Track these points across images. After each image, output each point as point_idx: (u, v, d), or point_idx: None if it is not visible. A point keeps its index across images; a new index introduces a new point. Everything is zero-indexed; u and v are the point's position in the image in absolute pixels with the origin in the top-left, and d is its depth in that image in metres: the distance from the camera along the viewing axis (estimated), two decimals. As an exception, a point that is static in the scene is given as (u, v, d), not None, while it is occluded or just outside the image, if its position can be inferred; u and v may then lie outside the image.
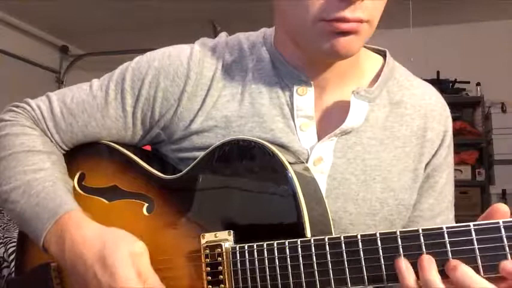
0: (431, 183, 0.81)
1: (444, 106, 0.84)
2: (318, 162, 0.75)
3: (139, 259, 0.69)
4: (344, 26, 0.66)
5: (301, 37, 0.72)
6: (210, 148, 0.74)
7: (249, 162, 0.71)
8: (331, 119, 0.77)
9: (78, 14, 4.08)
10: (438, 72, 3.76)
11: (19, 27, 4.30)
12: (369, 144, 0.77)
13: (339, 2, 0.65)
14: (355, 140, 0.77)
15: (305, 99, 0.77)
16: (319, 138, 0.76)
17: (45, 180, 0.78)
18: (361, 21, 0.66)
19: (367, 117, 0.77)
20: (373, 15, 0.68)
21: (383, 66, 0.81)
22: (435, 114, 0.81)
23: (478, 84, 3.99)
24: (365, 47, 0.81)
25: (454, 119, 3.91)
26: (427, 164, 0.80)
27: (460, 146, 3.84)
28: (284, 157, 0.68)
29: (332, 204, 0.74)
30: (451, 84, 4.01)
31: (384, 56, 0.84)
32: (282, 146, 0.75)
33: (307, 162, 0.75)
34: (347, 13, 0.65)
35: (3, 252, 2.39)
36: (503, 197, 3.78)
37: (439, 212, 0.82)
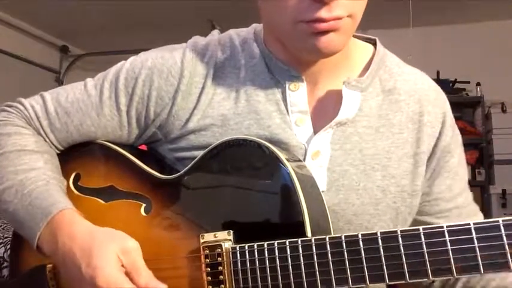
0: (442, 164, 0.80)
1: (438, 90, 0.84)
2: (315, 156, 0.75)
3: (131, 255, 0.69)
4: (322, 26, 0.66)
5: (284, 38, 0.73)
6: (208, 148, 0.74)
7: (248, 162, 0.71)
8: (325, 112, 0.77)
9: (78, 14, 4.07)
10: (438, 72, 3.75)
11: (19, 27, 4.30)
12: (365, 134, 0.77)
13: (313, 3, 0.65)
14: (351, 130, 0.76)
15: (298, 94, 0.77)
16: (315, 132, 0.76)
17: (37, 179, 0.77)
18: (340, 18, 0.66)
19: (361, 106, 0.77)
20: (355, 9, 0.68)
21: (373, 54, 0.81)
22: (430, 98, 0.81)
23: (478, 84, 3.99)
24: (355, 36, 0.81)
25: (454, 119, 3.91)
26: (434, 148, 0.79)
27: (460, 146, 3.83)
28: (284, 157, 0.68)
29: (334, 196, 0.74)
30: (451, 84, 4.01)
31: (374, 44, 0.83)
32: (279, 142, 0.75)
33: (305, 156, 0.75)
34: (323, 13, 0.65)
35: (3, 252, 2.38)
36: (503, 197, 3.78)
37: (459, 192, 0.82)
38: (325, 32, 0.67)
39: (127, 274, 0.68)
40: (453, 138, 0.82)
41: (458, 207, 0.82)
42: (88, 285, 0.67)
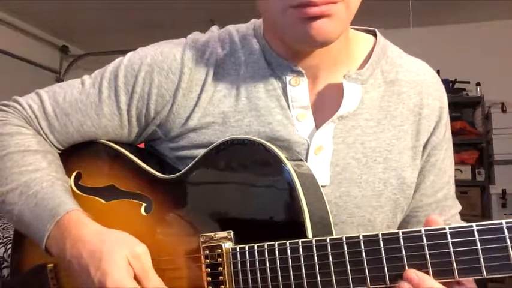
0: (433, 162, 0.81)
1: (439, 81, 0.83)
2: (318, 151, 0.75)
3: (141, 260, 0.69)
4: (312, 10, 0.64)
5: (278, 28, 0.72)
6: (209, 148, 0.74)
7: (247, 161, 0.71)
8: (326, 106, 0.76)
9: (78, 14, 4.07)
10: (438, 72, 3.70)
11: (19, 27, 4.30)
12: (366, 126, 0.76)
13: None
14: (353, 123, 0.76)
15: (299, 89, 0.76)
16: (317, 126, 0.76)
17: (42, 180, 0.77)
18: (333, 2, 0.64)
19: (362, 99, 0.76)
20: None
21: (374, 45, 0.80)
22: (430, 90, 0.81)
23: (478, 84, 3.99)
24: (355, 28, 0.80)
25: (454, 119, 3.95)
26: (426, 143, 0.79)
27: (460, 146, 3.84)
28: (283, 156, 0.68)
29: (336, 189, 0.74)
30: (451, 84, 4.01)
31: (375, 35, 0.83)
32: (281, 139, 0.74)
33: (307, 152, 0.74)
34: None
35: (3, 252, 2.38)
36: (503, 197, 3.78)
37: (440, 187, 0.82)
38: (316, 18, 0.65)
39: (136, 278, 0.68)
40: (445, 135, 0.82)
41: (437, 202, 0.82)
42: (97, 284, 0.67)
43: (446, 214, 0.83)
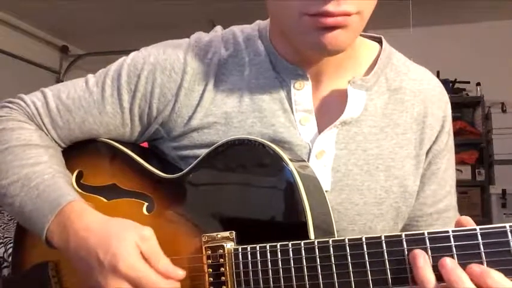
0: (434, 170, 0.81)
1: (442, 91, 0.84)
2: (320, 155, 0.74)
3: (149, 243, 0.69)
4: (328, 21, 0.64)
5: (289, 33, 0.72)
6: (211, 147, 0.74)
7: (251, 162, 0.71)
8: (330, 111, 0.76)
9: (78, 14, 4.07)
10: (438, 72, 3.75)
11: (19, 27, 4.30)
12: (370, 133, 0.76)
13: None
14: (356, 130, 0.76)
15: (302, 93, 0.76)
16: (320, 131, 0.75)
17: (43, 172, 0.77)
18: (348, 14, 0.64)
19: (366, 106, 0.76)
20: (363, 6, 0.66)
21: (379, 53, 0.80)
22: (434, 99, 0.81)
23: (478, 84, 4.00)
24: (360, 35, 0.80)
25: (454, 119, 3.95)
26: (428, 151, 0.79)
27: (460, 146, 3.84)
28: (287, 156, 0.68)
29: (337, 196, 0.74)
30: (451, 84, 4.01)
31: (380, 42, 0.83)
32: (283, 141, 0.74)
33: (309, 156, 0.74)
34: (330, 7, 0.63)
35: (3, 252, 2.38)
36: (503, 197, 3.78)
37: (442, 197, 0.82)
38: (331, 28, 0.65)
39: (145, 261, 0.68)
40: (447, 144, 0.81)
41: (438, 212, 0.82)
42: (108, 272, 0.66)
43: (449, 226, 0.83)
